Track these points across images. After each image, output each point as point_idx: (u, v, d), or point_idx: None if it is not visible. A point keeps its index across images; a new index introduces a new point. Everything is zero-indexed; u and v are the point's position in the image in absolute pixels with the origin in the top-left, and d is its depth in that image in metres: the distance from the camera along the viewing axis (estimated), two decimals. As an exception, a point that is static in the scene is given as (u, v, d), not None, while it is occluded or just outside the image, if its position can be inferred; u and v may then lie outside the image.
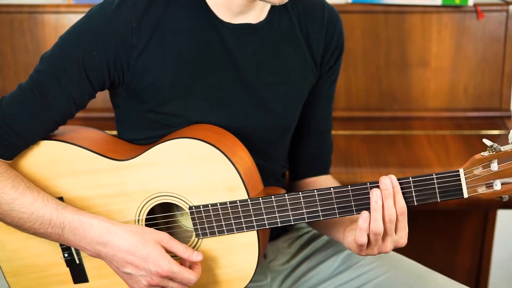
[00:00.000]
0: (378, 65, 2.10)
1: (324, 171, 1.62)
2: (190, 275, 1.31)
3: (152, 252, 1.29)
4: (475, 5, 2.05)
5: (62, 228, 1.31)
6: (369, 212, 1.26)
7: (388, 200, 1.25)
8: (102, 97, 1.45)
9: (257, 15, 1.41)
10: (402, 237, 1.28)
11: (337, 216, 1.30)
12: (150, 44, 1.35)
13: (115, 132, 1.53)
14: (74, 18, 2.05)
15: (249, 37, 1.41)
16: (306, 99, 1.54)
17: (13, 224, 1.34)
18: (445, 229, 2.33)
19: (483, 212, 2.27)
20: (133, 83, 1.37)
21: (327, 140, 1.61)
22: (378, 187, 1.26)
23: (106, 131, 1.52)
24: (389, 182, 1.25)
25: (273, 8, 1.42)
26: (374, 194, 1.25)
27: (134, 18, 1.33)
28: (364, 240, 1.28)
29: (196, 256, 1.33)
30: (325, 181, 1.59)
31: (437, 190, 1.25)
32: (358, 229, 1.27)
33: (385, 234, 1.27)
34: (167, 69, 1.37)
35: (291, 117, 1.52)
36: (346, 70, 2.08)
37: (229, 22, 1.39)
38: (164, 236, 1.32)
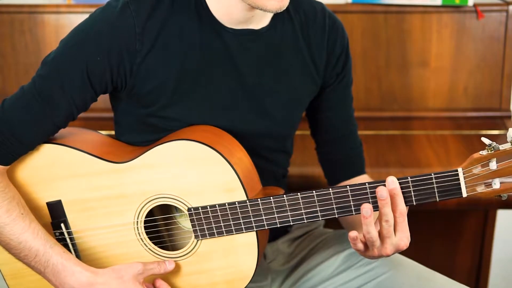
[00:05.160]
0: (378, 65, 2.10)
1: (359, 171, 1.60)
2: None
3: None
4: (475, 5, 2.04)
5: (45, 266, 1.32)
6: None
7: (385, 208, 1.24)
8: (103, 98, 1.45)
9: (259, 21, 1.40)
10: (402, 239, 1.27)
11: (336, 216, 1.30)
12: (153, 50, 1.34)
13: (114, 133, 1.53)
14: (74, 18, 2.07)
15: (251, 42, 1.41)
16: (323, 106, 1.54)
17: (2, 245, 1.35)
18: (445, 229, 2.33)
19: (483, 212, 2.27)
20: (136, 87, 1.37)
21: (354, 141, 1.59)
22: (376, 187, 1.26)
23: (105, 132, 1.52)
24: (386, 192, 1.24)
25: (276, 14, 1.42)
26: (364, 210, 1.24)
27: (138, 23, 1.33)
28: (359, 247, 1.29)
29: (170, 265, 1.37)
30: (363, 181, 1.57)
31: (436, 190, 1.25)
32: (350, 239, 1.28)
33: (383, 237, 1.27)
34: (170, 74, 1.36)
35: (290, 123, 1.52)
36: (346, 70, 2.08)
37: (232, 27, 1.38)
38: (138, 267, 1.34)
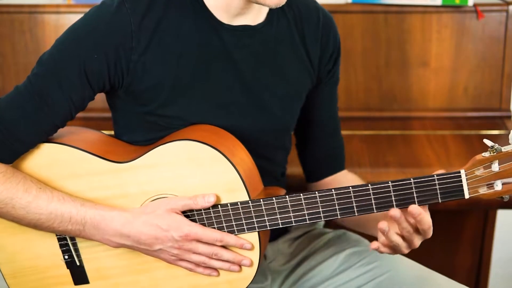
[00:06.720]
0: (378, 65, 2.10)
1: (340, 168, 1.63)
2: (214, 233, 1.33)
3: (170, 222, 1.31)
4: (475, 5, 2.05)
5: (83, 224, 1.32)
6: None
7: (402, 224, 1.27)
8: (102, 97, 1.45)
9: (255, 16, 1.41)
10: (426, 232, 1.29)
11: (339, 217, 1.30)
12: (149, 47, 1.34)
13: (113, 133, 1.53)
14: (74, 18, 2.03)
15: (248, 38, 1.41)
16: (312, 103, 1.55)
17: (30, 226, 1.35)
18: (445, 229, 2.33)
19: (483, 212, 2.28)
20: (133, 85, 1.37)
21: (337, 138, 1.62)
22: (378, 188, 1.26)
23: (105, 132, 1.52)
24: (397, 211, 1.25)
25: (271, 10, 1.43)
26: (380, 229, 1.27)
27: (134, 21, 1.32)
28: (387, 251, 1.32)
29: (209, 198, 1.32)
30: (344, 177, 1.62)
31: (438, 191, 1.25)
32: (380, 231, 1.29)
33: (408, 240, 1.30)
34: (167, 71, 1.36)
35: (289, 118, 1.52)
36: (346, 70, 2.08)
37: (228, 23, 1.39)
38: (168, 201, 1.32)
